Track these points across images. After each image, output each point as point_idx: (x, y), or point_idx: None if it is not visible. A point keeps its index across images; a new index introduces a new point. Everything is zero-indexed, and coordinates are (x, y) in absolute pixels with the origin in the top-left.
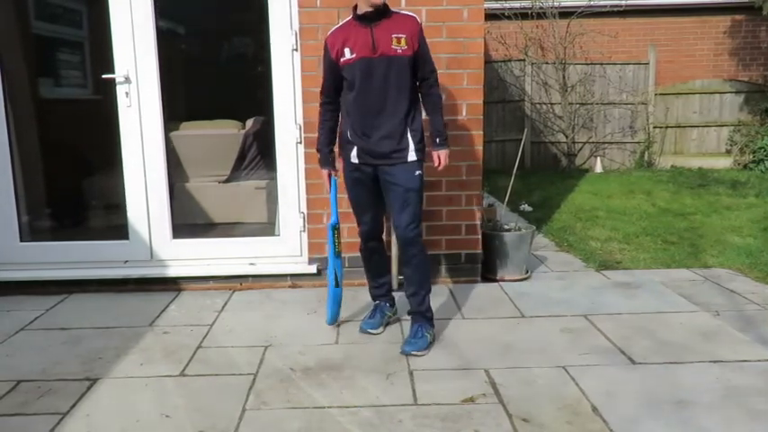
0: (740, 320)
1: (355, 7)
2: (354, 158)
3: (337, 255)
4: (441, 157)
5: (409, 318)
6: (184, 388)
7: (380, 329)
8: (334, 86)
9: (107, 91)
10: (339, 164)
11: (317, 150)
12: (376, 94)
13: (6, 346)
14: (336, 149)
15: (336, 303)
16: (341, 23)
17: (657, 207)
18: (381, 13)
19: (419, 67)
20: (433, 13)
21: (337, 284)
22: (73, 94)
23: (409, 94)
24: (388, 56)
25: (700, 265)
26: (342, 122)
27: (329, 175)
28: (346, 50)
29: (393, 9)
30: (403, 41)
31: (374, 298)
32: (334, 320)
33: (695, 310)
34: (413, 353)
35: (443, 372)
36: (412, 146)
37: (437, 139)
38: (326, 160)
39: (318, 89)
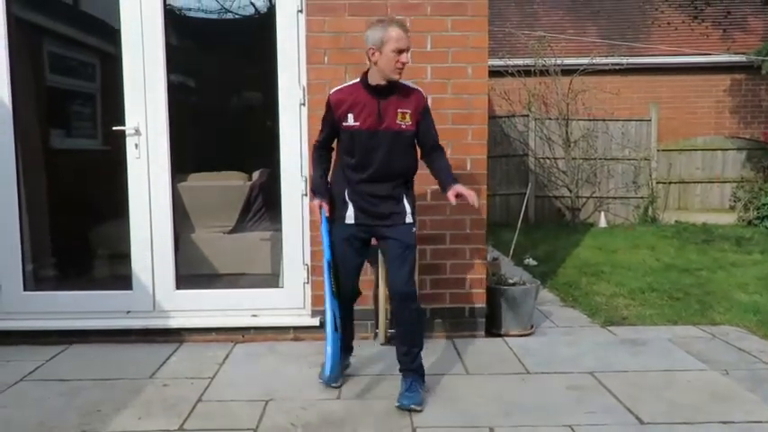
0: (749, 380)
1: (366, 72)
2: (350, 219)
3: (335, 294)
4: (461, 189)
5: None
6: None
7: (341, 382)
8: (331, 139)
9: (116, 142)
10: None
11: (312, 185)
12: (378, 163)
13: (4, 398)
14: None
15: (337, 351)
16: (348, 83)
17: (662, 262)
18: (392, 86)
19: (423, 138)
20: (438, 70)
21: (336, 328)
22: (83, 145)
23: (408, 163)
24: (392, 130)
25: (707, 322)
26: (335, 179)
27: (320, 207)
28: (350, 116)
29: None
30: (408, 117)
31: None
32: (335, 371)
33: (703, 368)
34: (412, 406)
35: (447, 429)
36: (408, 209)
37: (450, 178)
38: (323, 190)
39: None
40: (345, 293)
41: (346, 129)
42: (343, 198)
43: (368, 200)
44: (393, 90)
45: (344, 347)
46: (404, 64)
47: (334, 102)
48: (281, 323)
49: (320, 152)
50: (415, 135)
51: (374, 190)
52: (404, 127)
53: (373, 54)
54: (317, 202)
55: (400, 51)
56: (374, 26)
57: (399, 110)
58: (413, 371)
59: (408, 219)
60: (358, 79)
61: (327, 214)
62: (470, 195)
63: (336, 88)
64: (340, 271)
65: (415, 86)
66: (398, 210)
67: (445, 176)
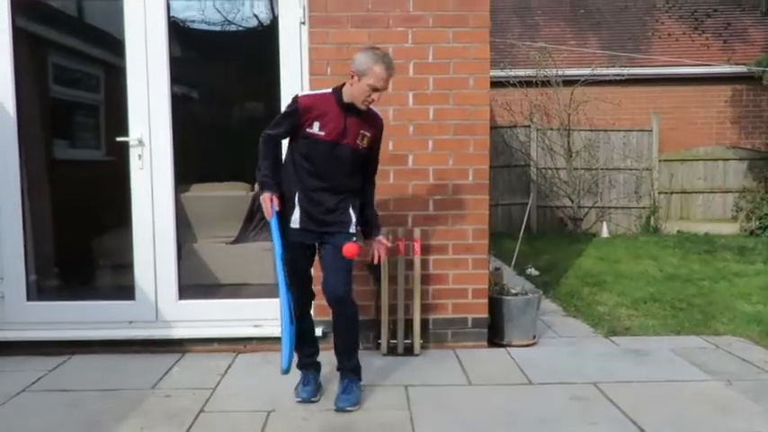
0: (753, 390)
1: (341, 87)
2: (295, 223)
3: (289, 288)
4: (383, 241)
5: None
6: None
7: (319, 396)
8: (285, 137)
9: (120, 153)
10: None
11: (263, 176)
12: (337, 175)
13: (6, 408)
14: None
15: (293, 342)
16: (319, 91)
17: (665, 272)
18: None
19: (368, 161)
20: (440, 81)
21: (292, 320)
22: (86, 156)
23: (358, 178)
24: (350, 147)
25: (710, 333)
26: (287, 178)
27: (271, 200)
28: (315, 124)
29: None
30: (365, 141)
31: (304, 367)
32: (290, 364)
33: (707, 378)
34: (348, 408)
35: None
36: (354, 220)
37: (378, 228)
38: (272, 185)
39: None
40: (299, 301)
41: (309, 135)
42: (293, 200)
43: (317, 208)
44: (361, 111)
45: (312, 363)
46: (372, 101)
47: (304, 106)
48: None
49: (271, 145)
50: (366, 153)
51: (326, 200)
52: (360, 147)
53: (352, 77)
54: (267, 195)
55: (375, 89)
56: (366, 53)
57: (361, 131)
58: (349, 370)
59: (351, 229)
60: (329, 90)
61: (278, 208)
62: (382, 253)
63: (307, 93)
64: (290, 277)
65: (380, 114)
66: (344, 219)
67: (374, 223)
